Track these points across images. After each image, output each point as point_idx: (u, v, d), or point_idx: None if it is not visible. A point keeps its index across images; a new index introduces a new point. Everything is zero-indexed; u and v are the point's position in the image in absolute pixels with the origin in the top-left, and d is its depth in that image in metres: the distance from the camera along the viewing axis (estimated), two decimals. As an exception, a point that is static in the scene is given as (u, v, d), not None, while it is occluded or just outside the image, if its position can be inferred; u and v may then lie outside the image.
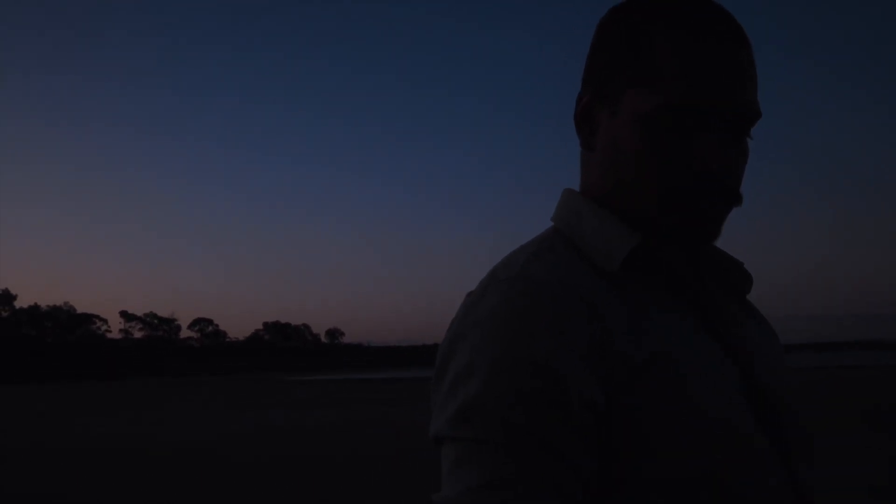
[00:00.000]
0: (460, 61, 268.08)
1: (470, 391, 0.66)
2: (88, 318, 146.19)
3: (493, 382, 0.65)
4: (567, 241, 0.78)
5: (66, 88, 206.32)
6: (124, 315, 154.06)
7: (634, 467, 0.66)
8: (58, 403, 32.92)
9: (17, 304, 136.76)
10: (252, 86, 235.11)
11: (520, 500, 0.62)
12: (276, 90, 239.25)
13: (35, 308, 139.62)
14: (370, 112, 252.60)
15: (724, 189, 0.74)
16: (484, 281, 0.74)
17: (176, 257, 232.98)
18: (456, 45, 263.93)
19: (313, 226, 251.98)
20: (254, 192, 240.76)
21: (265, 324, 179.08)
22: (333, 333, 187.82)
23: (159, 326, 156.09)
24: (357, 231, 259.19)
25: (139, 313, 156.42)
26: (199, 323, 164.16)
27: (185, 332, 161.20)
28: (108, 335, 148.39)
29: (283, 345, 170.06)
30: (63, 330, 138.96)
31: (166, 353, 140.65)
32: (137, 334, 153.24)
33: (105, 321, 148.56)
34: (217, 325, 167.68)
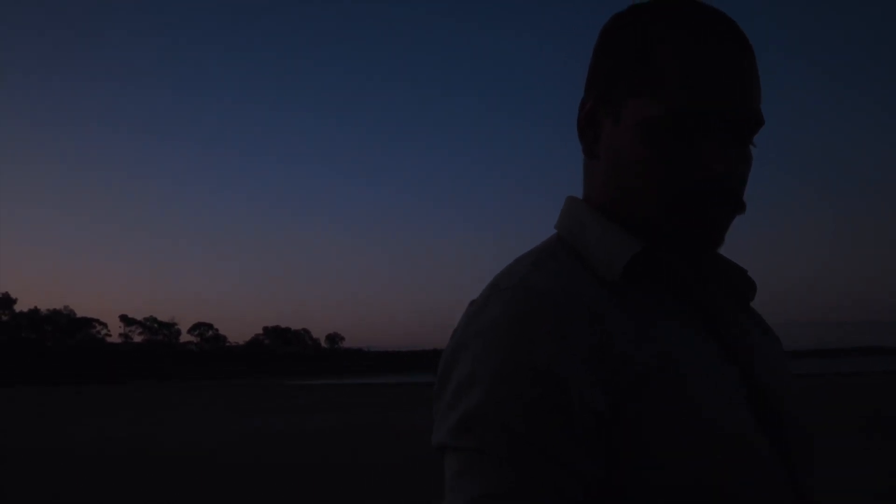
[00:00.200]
0: (461, 63, 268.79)
1: (472, 401, 0.66)
2: (88, 322, 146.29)
3: (495, 392, 0.65)
4: (570, 249, 0.78)
5: (66, 89, 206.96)
6: (124, 319, 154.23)
7: (638, 473, 0.66)
8: (57, 407, 32.91)
9: (17, 307, 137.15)
10: (253, 87, 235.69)
11: None
12: (277, 92, 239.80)
13: (35, 312, 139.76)
14: (372, 115, 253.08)
15: (727, 196, 0.74)
16: (486, 290, 0.74)
17: (176, 261, 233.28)
18: (457, 47, 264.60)
19: (314, 229, 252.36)
20: (254, 195, 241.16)
21: (265, 328, 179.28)
22: (333, 338, 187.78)
23: (159, 331, 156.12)
24: (358, 235, 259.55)
25: (139, 317, 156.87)
26: (200, 327, 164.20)
27: (185, 337, 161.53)
28: (108, 339, 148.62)
29: (283, 349, 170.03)
30: (63, 334, 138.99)
31: (166, 357, 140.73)
32: (137, 338, 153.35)
33: (105, 325, 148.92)
34: (217, 330, 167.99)
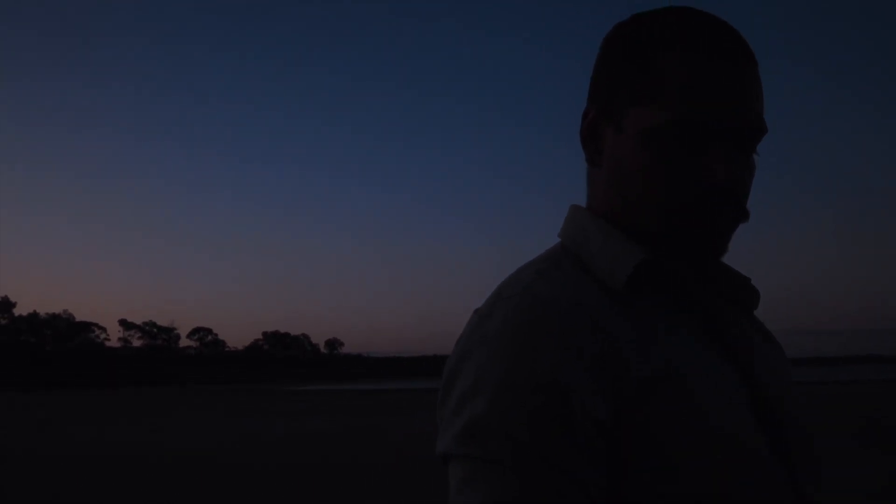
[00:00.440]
0: (461, 68, 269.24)
1: (475, 410, 0.66)
2: (87, 327, 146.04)
3: (498, 400, 0.65)
4: (574, 258, 0.78)
5: (66, 93, 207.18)
6: (123, 323, 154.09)
7: (643, 481, 0.66)
8: (57, 411, 32.93)
9: (17, 311, 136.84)
10: (254, 92, 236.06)
11: None
12: (279, 96, 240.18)
13: (34, 316, 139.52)
14: (374, 120, 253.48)
15: (731, 204, 0.74)
16: (490, 298, 0.74)
17: (176, 266, 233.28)
18: (459, 52, 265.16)
19: (314, 235, 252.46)
20: (254, 200, 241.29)
21: (264, 333, 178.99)
22: (333, 344, 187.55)
23: (158, 335, 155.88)
24: (358, 240, 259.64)
25: (138, 322, 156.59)
26: (199, 332, 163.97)
27: (184, 341, 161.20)
28: (107, 343, 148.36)
29: (282, 354, 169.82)
30: (62, 338, 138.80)
31: (165, 361, 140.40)
32: (136, 343, 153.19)
33: (104, 329, 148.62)
34: (216, 335, 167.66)
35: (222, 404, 38.51)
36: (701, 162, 0.73)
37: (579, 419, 0.65)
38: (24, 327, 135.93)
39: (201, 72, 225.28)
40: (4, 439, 17.68)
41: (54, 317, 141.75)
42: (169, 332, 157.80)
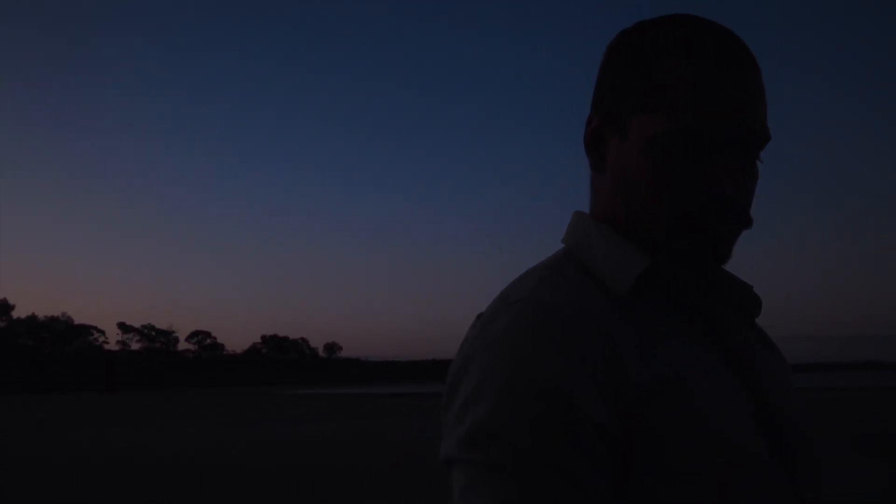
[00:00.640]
0: (463, 70, 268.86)
1: (478, 415, 0.66)
2: (86, 329, 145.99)
3: (501, 406, 0.66)
4: (577, 264, 0.79)
5: (65, 95, 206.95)
6: (122, 327, 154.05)
7: (644, 486, 0.67)
8: (56, 414, 32.93)
9: (15, 314, 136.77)
10: (252, 94, 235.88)
11: None
12: (278, 98, 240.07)
13: (33, 318, 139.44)
14: (373, 122, 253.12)
15: (735, 212, 0.75)
16: (495, 303, 0.75)
17: (174, 269, 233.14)
18: (461, 54, 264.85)
19: (313, 238, 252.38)
20: (253, 202, 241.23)
21: (263, 337, 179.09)
22: (331, 347, 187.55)
23: (157, 338, 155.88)
24: (357, 244, 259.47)
25: (137, 325, 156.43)
26: (197, 335, 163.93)
27: (182, 345, 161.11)
28: (106, 346, 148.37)
29: (280, 358, 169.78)
30: (60, 341, 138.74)
31: (164, 365, 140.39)
32: (135, 346, 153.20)
33: (103, 332, 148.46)
34: (215, 338, 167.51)
35: (221, 408, 38.49)
36: (705, 170, 0.74)
37: (581, 424, 0.65)
38: (23, 330, 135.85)
39: (200, 73, 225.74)
40: (3, 442, 17.69)
41: (53, 319, 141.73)
42: (167, 336, 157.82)
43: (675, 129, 0.73)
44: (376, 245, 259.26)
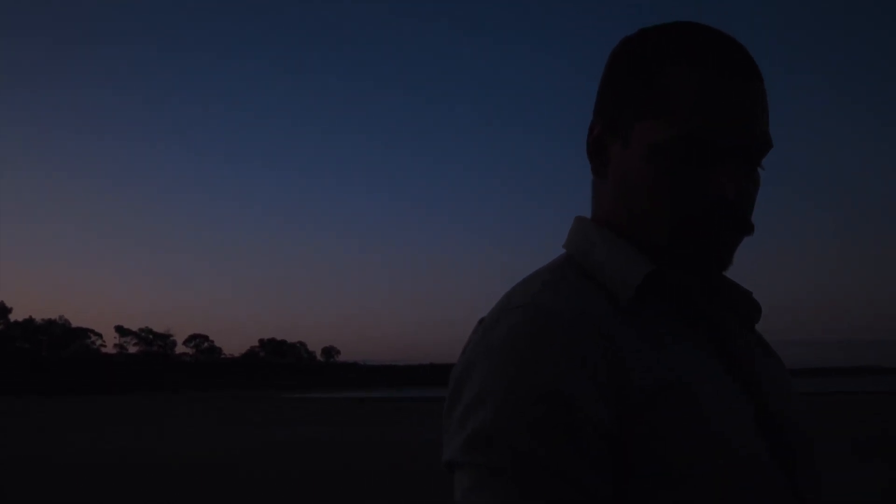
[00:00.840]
0: (461, 72, 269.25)
1: (480, 419, 0.67)
2: (83, 333, 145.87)
3: (503, 410, 0.67)
4: (580, 269, 0.79)
5: (62, 98, 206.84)
6: (119, 330, 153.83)
7: (645, 487, 0.67)
8: (53, 417, 32.85)
9: (12, 317, 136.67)
10: (249, 97, 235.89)
11: None
12: (276, 102, 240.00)
13: (30, 321, 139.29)
14: (370, 125, 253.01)
15: (737, 218, 0.75)
16: (497, 308, 0.76)
17: (172, 272, 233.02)
18: (461, 56, 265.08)
19: (311, 241, 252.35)
20: (251, 205, 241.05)
21: (261, 341, 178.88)
22: (329, 351, 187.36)
23: (154, 342, 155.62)
24: (355, 248, 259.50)
25: (134, 328, 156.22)
26: (195, 339, 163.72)
27: (180, 348, 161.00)
28: (103, 350, 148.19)
29: (278, 362, 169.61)
30: (58, 344, 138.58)
31: (161, 368, 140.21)
32: (132, 349, 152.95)
33: (100, 336, 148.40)
34: (212, 342, 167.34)
35: (218, 411, 38.47)
36: (708, 177, 0.74)
37: (582, 426, 0.66)
38: (20, 333, 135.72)
39: (200, 77, 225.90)
40: (3, 444, 17.64)
41: (50, 323, 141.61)
42: (165, 339, 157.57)
43: (678, 137, 0.74)
44: (375, 248, 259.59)
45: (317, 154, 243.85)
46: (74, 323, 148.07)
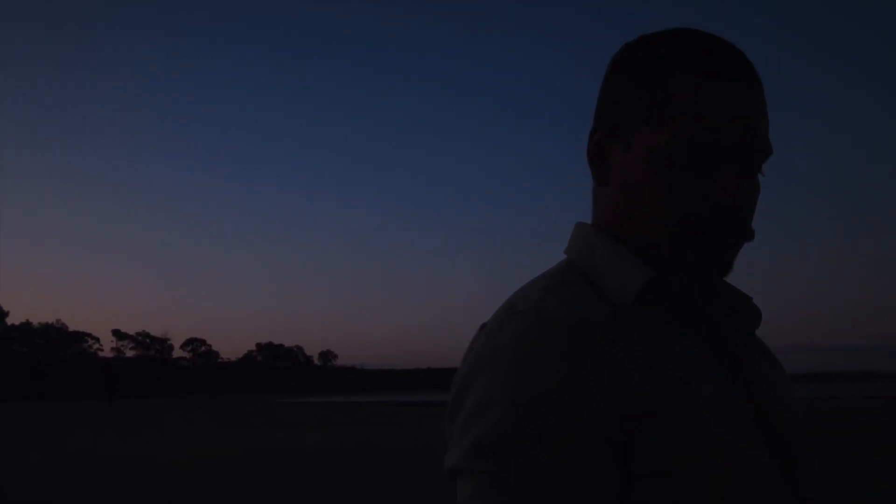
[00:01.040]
0: (461, 77, 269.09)
1: (483, 426, 0.68)
2: (80, 337, 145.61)
3: (505, 417, 0.67)
4: (581, 275, 0.80)
5: (60, 103, 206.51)
6: (116, 334, 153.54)
7: (649, 494, 0.68)
8: (50, 421, 32.80)
9: (9, 320, 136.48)
10: (247, 102, 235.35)
11: None
12: (272, 106, 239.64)
13: (27, 325, 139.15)
14: (369, 129, 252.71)
15: (738, 224, 0.76)
16: (499, 313, 0.76)
17: (169, 276, 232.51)
18: (458, 60, 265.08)
19: (308, 246, 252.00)
20: (248, 209, 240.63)
21: (258, 345, 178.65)
22: (326, 355, 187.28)
23: (151, 346, 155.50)
24: (353, 252, 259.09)
25: (131, 332, 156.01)
26: (192, 343, 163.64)
27: (177, 352, 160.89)
28: (100, 354, 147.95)
29: (275, 366, 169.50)
30: (55, 348, 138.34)
31: (158, 372, 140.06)
32: (129, 353, 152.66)
33: (97, 340, 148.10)
34: (210, 346, 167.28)
35: (216, 415, 38.44)
36: (709, 183, 0.75)
37: (587, 434, 0.66)
38: (17, 337, 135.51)
39: (199, 82, 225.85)
40: (1, 448, 17.61)
41: (47, 326, 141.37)
42: (162, 343, 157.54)
43: (679, 142, 0.74)
44: (372, 253, 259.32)
45: (314, 159, 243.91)
46: (72, 327, 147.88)
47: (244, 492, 10.21)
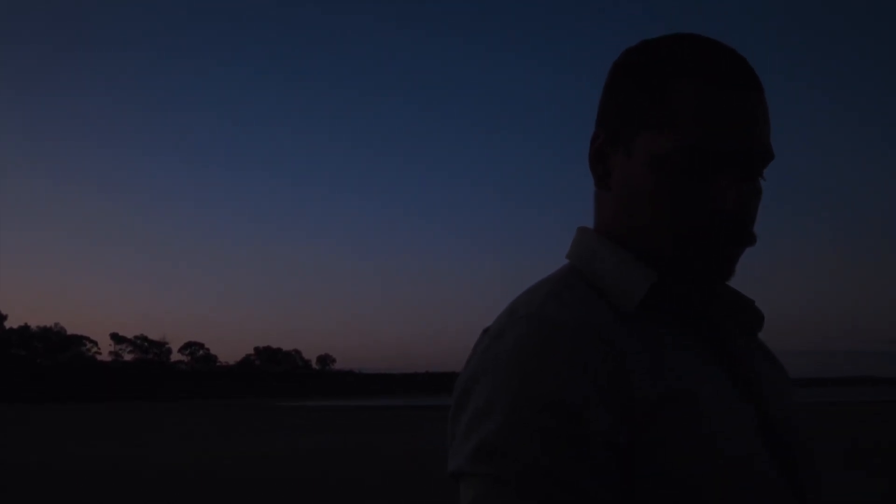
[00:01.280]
0: (460, 80, 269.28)
1: (486, 430, 0.68)
2: (79, 340, 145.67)
3: (508, 421, 0.67)
4: (584, 279, 0.80)
5: (57, 105, 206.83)
6: (115, 337, 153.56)
7: (649, 494, 0.68)
8: (49, 425, 32.75)
9: (8, 324, 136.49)
10: (243, 104, 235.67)
11: None
12: (272, 110, 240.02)
13: (25, 328, 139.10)
14: (367, 132, 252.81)
15: (739, 229, 0.76)
16: (502, 318, 0.77)
17: (167, 280, 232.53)
18: (460, 65, 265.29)
19: (307, 250, 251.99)
20: (247, 213, 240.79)
21: (256, 349, 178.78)
22: (325, 359, 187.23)
23: (150, 349, 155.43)
24: (351, 256, 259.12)
25: (130, 336, 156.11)
26: (190, 346, 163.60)
27: (175, 356, 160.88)
28: (99, 357, 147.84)
29: (273, 370, 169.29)
30: (53, 351, 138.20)
31: (157, 376, 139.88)
32: (128, 357, 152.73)
33: (95, 343, 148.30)
34: (208, 349, 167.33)
35: (214, 419, 38.38)
36: (711, 188, 0.75)
37: (589, 438, 0.67)
38: (15, 340, 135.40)
39: (195, 85, 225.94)
40: (3, 449, 17.57)
41: (45, 330, 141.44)
42: (160, 347, 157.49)
43: (682, 147, 0.75)
44: (371, 257, 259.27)
45: (312, 162, 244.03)
46: (70, 330, 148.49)
47: (242, 495, 10.20)
